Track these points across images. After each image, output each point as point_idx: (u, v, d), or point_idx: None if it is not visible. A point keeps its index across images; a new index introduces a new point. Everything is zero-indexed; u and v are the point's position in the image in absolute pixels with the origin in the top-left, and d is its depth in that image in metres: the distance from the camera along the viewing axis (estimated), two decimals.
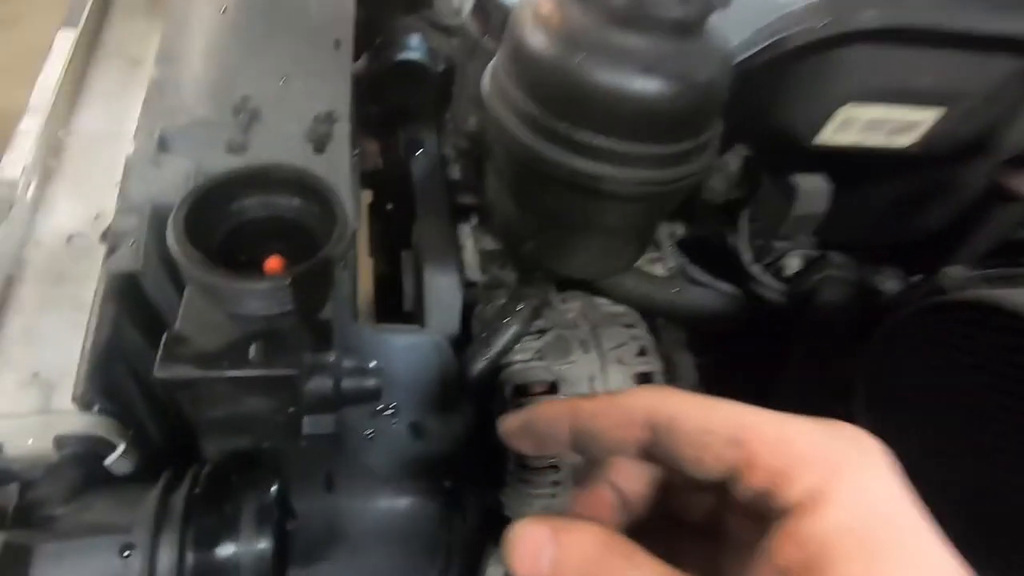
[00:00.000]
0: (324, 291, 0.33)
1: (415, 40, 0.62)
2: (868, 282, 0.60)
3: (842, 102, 0.41)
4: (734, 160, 0.50)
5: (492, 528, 0.54)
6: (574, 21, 0.35)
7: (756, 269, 0.62)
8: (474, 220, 0.65)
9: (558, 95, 0.37)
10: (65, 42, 0.47)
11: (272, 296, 0.30)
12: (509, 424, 0.24)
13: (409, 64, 0.61)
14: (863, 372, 0.45)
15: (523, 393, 0.52)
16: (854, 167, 0.50)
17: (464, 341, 0.56)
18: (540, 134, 0.38)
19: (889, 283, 0.60)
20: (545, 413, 0.23)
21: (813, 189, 0.49)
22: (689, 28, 0.35)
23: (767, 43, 0.39)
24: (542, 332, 0.56)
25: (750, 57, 0.40)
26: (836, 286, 0.59)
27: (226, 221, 0.34)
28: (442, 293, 0.58)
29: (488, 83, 0.42)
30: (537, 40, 0.37)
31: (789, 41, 0.39)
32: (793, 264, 0.63)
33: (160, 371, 0.29)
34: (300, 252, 0.32)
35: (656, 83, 0.35)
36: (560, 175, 0.38)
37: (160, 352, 0.29)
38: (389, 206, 0.86)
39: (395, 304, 0.76)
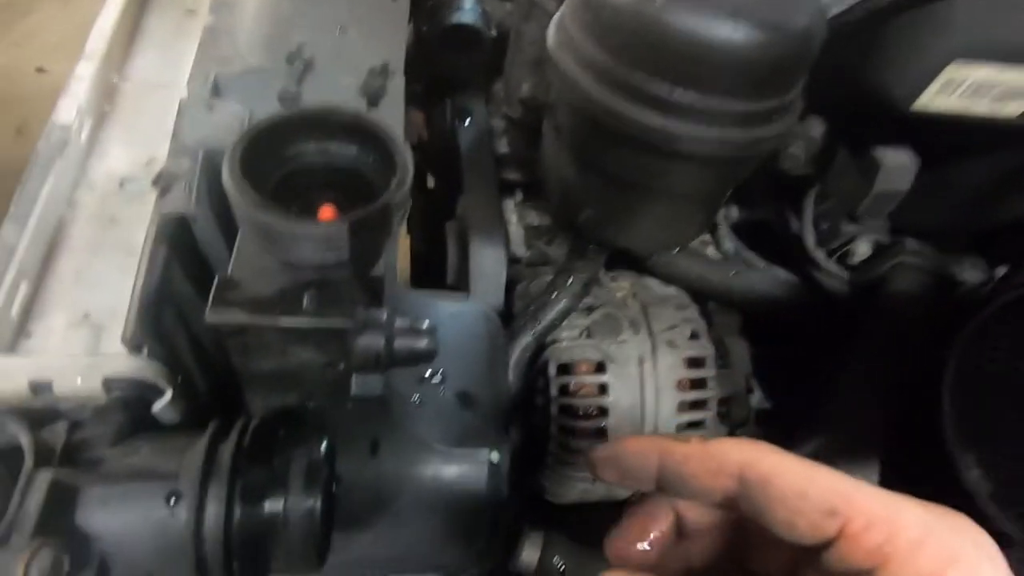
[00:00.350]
0: (380, 242, 0.32)
1: (468, 2, 0.60)
2: (946, 271, 0.55)
3: (947, 60, 0.37)
4: (816, 127, 0.46)
5: (530, 509, 0.52)
6: None
7: (820, 254, 0.58)
8: (519, 196, 0.63)
9: (633, 43, 0.34)
10: None
11: (328, 242, 0.29)
12: (599, 453, 0.24)
13: (462, 28, 0.59)
14: (954, 361, 0.41)
15: (568, 371, 0.50)
16: (945, 141, 0.45)
17: (506, 318, 0.54)
18: (610, 86, 0.35)
19: (969, 272, 0.55)
20: (634, 447, 0.23)
21: (898, 164, 0.45)
22: None
23: None
24: (590, 310, 0.54)
25: (846, 11, 0.37)
26: (910, 274, 0.55)
27: (280, 167, 0.33)
28: (488, 266, 0.56)
29: (553, 34, 0.39)
30: None
31: None
32: (861, 250, 0.59)
33: (212, 315, 0.28)
34: (354, 203, 0.30)
35: (745, 30, 0.32)
36: (630, 132, 0.36)
37: (212, 294, 0.28)
38: (431, 184, 0.84)
39: (432, 285, 0.74)
